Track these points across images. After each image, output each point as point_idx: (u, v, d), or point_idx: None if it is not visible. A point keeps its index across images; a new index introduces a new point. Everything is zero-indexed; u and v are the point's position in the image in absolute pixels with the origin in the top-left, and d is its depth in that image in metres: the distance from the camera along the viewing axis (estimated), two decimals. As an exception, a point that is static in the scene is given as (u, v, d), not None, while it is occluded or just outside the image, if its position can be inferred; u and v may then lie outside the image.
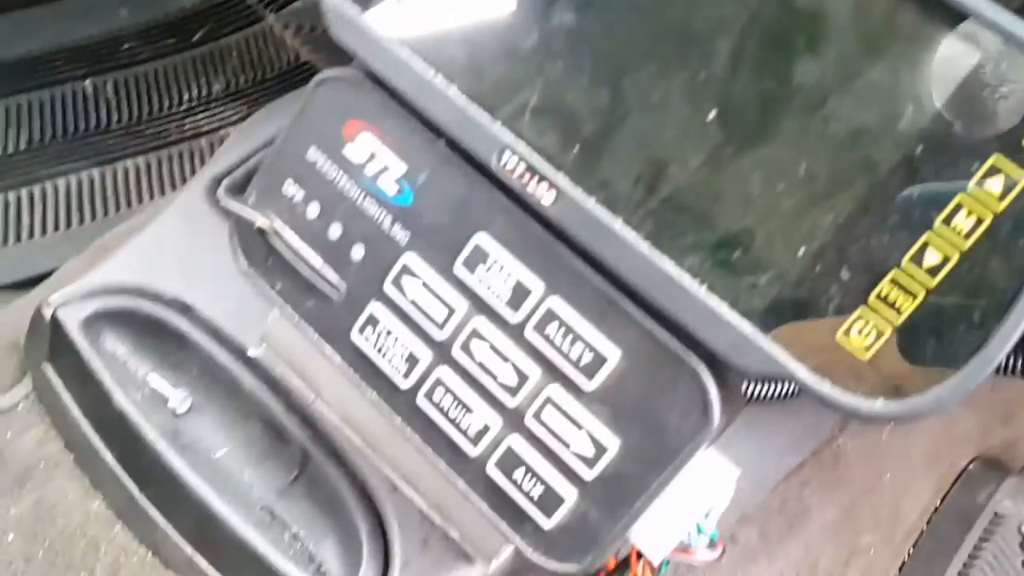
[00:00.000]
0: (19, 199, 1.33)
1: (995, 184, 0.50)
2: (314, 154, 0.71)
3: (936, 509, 1.14)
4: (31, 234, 1.30)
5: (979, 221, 0.51)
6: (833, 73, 0.55)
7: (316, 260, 0.71)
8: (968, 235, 0.51)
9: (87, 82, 1.46)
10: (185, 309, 0.87)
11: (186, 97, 1.49)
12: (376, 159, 0.69)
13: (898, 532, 1.10)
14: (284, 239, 0.71)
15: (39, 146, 1.38)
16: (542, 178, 0.62)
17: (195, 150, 1.44)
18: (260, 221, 0.72)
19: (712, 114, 0.58)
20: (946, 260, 0.52)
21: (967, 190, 0.51)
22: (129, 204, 1.36)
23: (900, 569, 1.10)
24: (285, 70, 1.55)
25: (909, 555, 1.11)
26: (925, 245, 0.52)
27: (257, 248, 0.73)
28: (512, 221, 0.65)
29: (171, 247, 0.91)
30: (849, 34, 0.54)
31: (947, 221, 0.51)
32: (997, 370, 0.87)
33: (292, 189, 0.71)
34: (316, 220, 0.71)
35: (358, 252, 0.70)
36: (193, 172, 1.33)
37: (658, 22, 0.60)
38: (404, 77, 0.66)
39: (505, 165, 0.63)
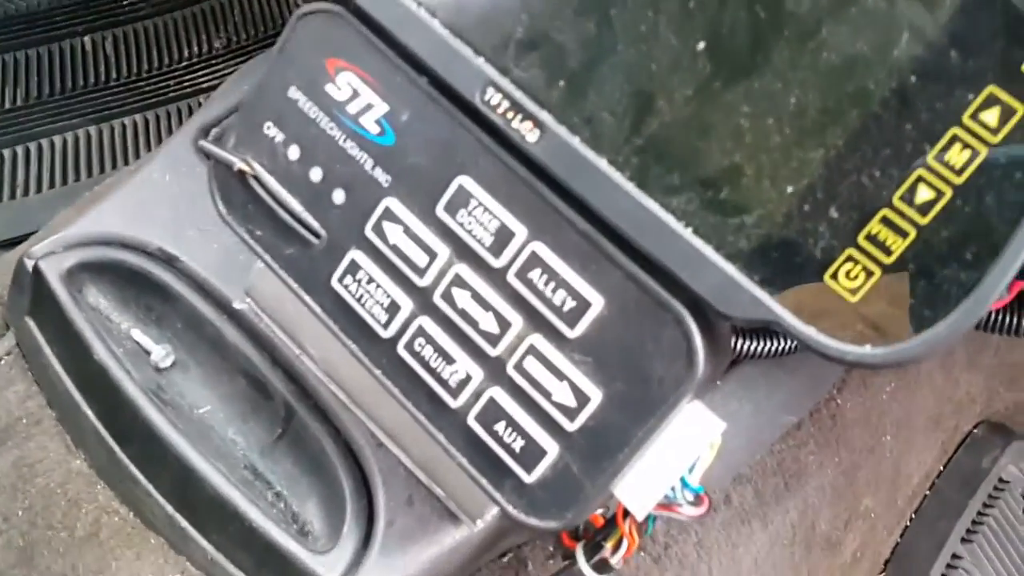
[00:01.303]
0: (15, 155, 1.32)
1: (991, 116, 0.48)
2: (294, 93, 0.68)
3: (940, 473, 1.13)
4: (26, 191, 1.30)
5: (974, 154, 0.48)
6: (823, 1, 0.52)
7: (296, 205, 0.69)
8: (962, 170, 0.48)
9: (86, 38, 1.45)
10: (169, 260, 0.86)
11: (186, 53, 1.48)
12: (358, 98, 0.66)
13: (900, 495, 1.09)
14: (263, 183, 0.69)
15: (36, 102, 1.38)
16: (526, 115, 0.60)
17: (194, 107, 1.43)
18: (238, 164, 0.70)
19: (700, 46, 0.56)
20: (939, 197, 0.49)
21: (961, 122, 0.49)
22: (126, 161, 1.36)
23: (902, 533, 1.09)
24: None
25: (911, 519, 1.10)
26: (917, 181, 0.49)
27: (236, 193, 0.71)
28: (495, 163, 0.63)
29: (157, 197, 0.90)
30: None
31: (940, 156, 0.49)
32: (1002, 329, 0.86)
33: (272, 131, 0.69)
34: (296, 163, 0.69)
35: (339, 196, 0.67)
36: (194, 129, 1.33)
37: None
38: (386, 10, 0.64)
39: (488, 101, 0.61)
